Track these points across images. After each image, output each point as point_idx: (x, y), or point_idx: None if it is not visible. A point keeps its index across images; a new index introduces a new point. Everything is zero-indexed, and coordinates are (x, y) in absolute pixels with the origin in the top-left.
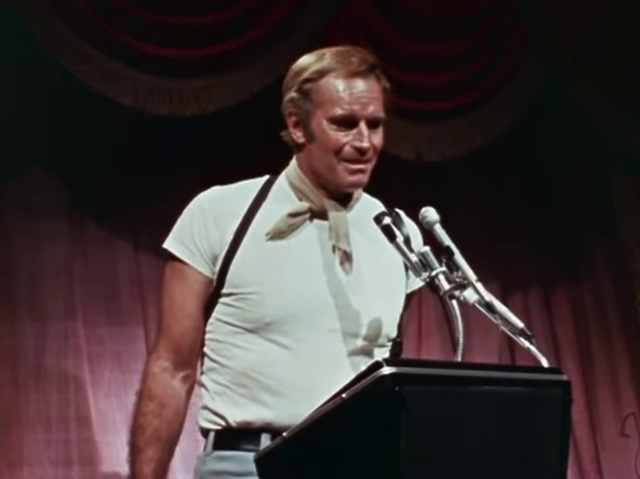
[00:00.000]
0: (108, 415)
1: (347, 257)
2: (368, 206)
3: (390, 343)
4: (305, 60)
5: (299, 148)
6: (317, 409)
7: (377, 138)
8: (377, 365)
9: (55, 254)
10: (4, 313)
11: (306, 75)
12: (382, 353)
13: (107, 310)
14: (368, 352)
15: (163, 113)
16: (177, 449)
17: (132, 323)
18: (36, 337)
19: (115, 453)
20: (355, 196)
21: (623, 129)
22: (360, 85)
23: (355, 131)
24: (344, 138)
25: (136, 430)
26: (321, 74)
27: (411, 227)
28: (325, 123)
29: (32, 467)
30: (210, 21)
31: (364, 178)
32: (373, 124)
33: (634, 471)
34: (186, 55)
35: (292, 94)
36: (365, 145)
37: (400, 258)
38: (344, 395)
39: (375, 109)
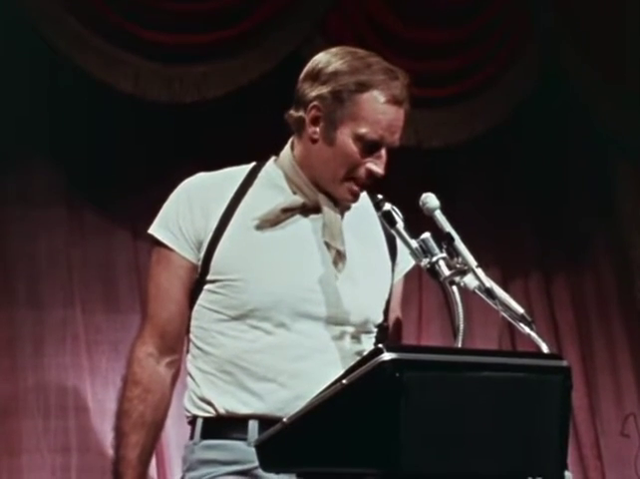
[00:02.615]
0: (105, 403)
1: (340, 257)
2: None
3: (376, 329)
4: (349, 61)
5: (312, 141)
6: (317, 395)
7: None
8: (377, 351)
9: (53, 243)
10: (2, 302)
11: (347, 82)
12: (368, 339)
13: (105, 298)
14: (354, 338)
15: (164, 99)
16: (174, 439)
17: (129, 311)
18: (34, 325)
19: (113, 441)
20: None
21: (623, 116)
22: (395, 113)
23: (375, 155)
24: (363, 158)
25: (121, 415)
26: (364, 88)
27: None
28: (352, 137)
29: (31, 455)
30: (210, 7)
31: (358, 199)
32: (388, 150)
33: (634, 457)
34: (187, 41)
35: (324, 91)
36: (381, 172)
37: (385, 245)
38: (344, 381)
39: (398, 137)
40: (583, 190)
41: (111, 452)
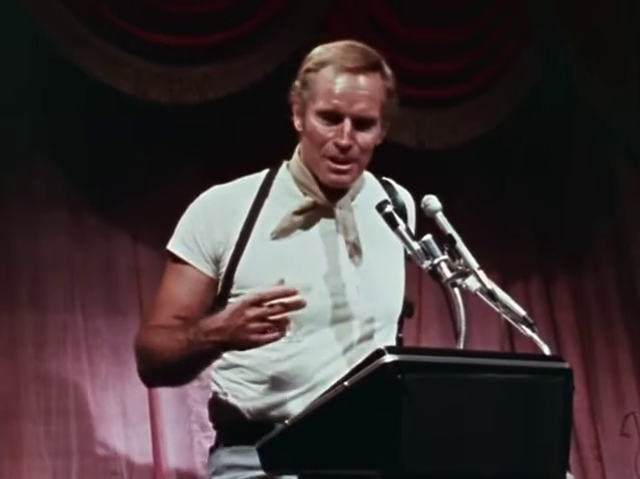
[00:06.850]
0: (105, 407)
1: (356, 250)
2: (371, 191)
3: (396, 326)
4: (315, 50)
5: (300, 135)
6: (319, 397)
7: (365, 137)
8: (379, 353)
9: (55, 245)
10: (4, 305)
11: (309, 65)
12: (392, 332)
13: (105, 301)
14: (381, 333)
15: (164, 101)
16: (170, 439)
17: (129, 314)
18: (35, 329)
19: (112, 445)
20: (357, 184)
21: (624, 116)
22: (351, 81)
23: (338, 127)
24: (328, 133)
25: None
26: (321, 65)
27: (406, 196)
28: (314, 115)
29: (32, 458)
30: (211, 9)
31: (346, 177)
32: (360, 122)
33: (634, 459)
34: (188, 42)
35: (296, 82)
36: (343, 142)
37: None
38: (346, 383)
39: (363, 107)
40: (584, 191)
41: (110, 455)
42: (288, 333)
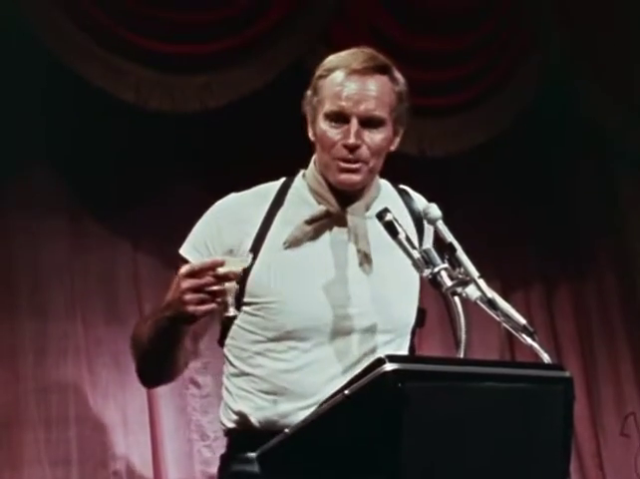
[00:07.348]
0: (105, 415)
1: (366, 259)
2: (386, 200)
3: (409, 337)
4: (326, 59)
5: (314, 144)
6: (320, 406)
7: (373, 137)
8: (379, 362)
9: (55, 253)
10: (4, 313)
11: (319, 72)
12: (405, 342)
13: (105, 310)
14: (392, 344)
15: (166, 109)
16: (170, 448)
17: (129, 322)
18: (36, 337)
19: (112, 453)
20: (372, 193)
21: (626, 126)
22: (356, 82)
23: (344, 128)
24: (337, 135)
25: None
26: (330, 71)
27: (420, 201)
28: (322, 119)
29: (32, 467)
30: (212, 17)
31: (355, 177)
32: (368, 122)
33: (635, 466)
34: (189, 51)
35: (308, 91)
36: (350, 141)
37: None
38: (346, 392)
39: (368, 107)
40: (586, 199)
41: (111, 464)
42: (231, 310)
